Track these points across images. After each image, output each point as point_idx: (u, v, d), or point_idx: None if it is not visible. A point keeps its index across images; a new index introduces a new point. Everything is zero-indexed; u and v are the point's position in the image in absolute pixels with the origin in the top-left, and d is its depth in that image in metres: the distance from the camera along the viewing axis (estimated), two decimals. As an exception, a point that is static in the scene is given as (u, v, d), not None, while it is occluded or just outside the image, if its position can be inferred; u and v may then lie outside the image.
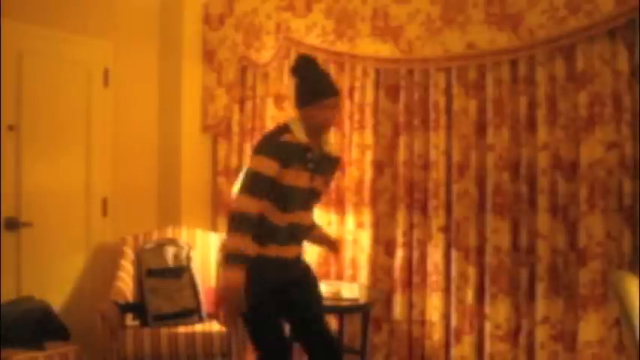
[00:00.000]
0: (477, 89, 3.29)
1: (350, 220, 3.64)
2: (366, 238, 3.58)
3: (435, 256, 3.36)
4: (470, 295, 3.24)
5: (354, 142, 3.64)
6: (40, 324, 3.23)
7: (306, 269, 2.74)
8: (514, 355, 3.16)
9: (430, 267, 3.37)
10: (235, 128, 4.20)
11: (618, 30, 2.89)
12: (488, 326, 3.19)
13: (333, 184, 2.73)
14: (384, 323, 3.54)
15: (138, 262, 3.63)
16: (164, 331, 3.33)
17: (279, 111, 3.94)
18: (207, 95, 4.29)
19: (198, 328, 3.42)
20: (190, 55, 4.24)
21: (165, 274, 3.59)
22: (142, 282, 3.55)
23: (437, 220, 3.35)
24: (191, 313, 3.53)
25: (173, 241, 3.76)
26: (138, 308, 3.50)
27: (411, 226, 3.47)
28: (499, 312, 3.16)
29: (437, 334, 3.35)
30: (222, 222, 4.09)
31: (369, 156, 3.59)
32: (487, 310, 3.19)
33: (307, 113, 2.50)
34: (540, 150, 3.06)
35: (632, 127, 2.87)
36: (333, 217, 3.72)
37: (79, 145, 3.85)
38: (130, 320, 3.52)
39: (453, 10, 3.30)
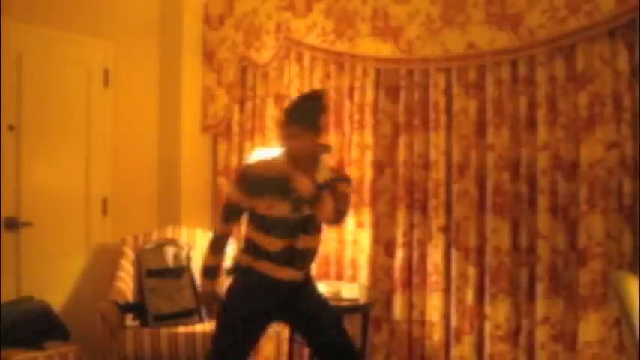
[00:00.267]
0: (477, 89, 3.29)
1: (350, 220, 3.63)
2: (366, 238, 3.58)
3: (435, 256, 3.36)
4: (470, 295, 3.24)
5: (354, 142, 3.64)
6: (40, 324, 3.24)
7: (304, 282, 2.66)
8: (514, 355, 3.15)
9: (430, 267, 3.37)
10: (235, 128, 4.20)
11: (618, 30, 2.88)
12: (488, 326, 3.18)
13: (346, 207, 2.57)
14: (384, 323, 3.54)
15: (138, 262, 3.63)
16: (164, 331, 3.34)
17: (279, 111, 3.94)
18: (207, 95, 4.29)
19: (199, 328, 3.42)
20: (190, 55, 4.24)
21: (165, 274, 3.59)
22: (142, 282, 3.55)
23: (437, 220, 3.35)
24: (191, 313, 3.53)
25: (173, 241, 3.76)
26: (138, 308, 3.50)
27: (411, 226, 3.47)
28: (499, 312, 3.15)
29: (437, 334, 3.35)
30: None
31: (369, 156, 3.59)
32: (487, 310, 3.18)
33: (281, 143, 2.55)
34: (540, 150, 3.06)
35: (632, 127, 2.86)
36: (333, 217, 3.71)
37: (79, 145, 3.85)
38: (130, 320, 3.51)
39: (452, 10, 3.30)
